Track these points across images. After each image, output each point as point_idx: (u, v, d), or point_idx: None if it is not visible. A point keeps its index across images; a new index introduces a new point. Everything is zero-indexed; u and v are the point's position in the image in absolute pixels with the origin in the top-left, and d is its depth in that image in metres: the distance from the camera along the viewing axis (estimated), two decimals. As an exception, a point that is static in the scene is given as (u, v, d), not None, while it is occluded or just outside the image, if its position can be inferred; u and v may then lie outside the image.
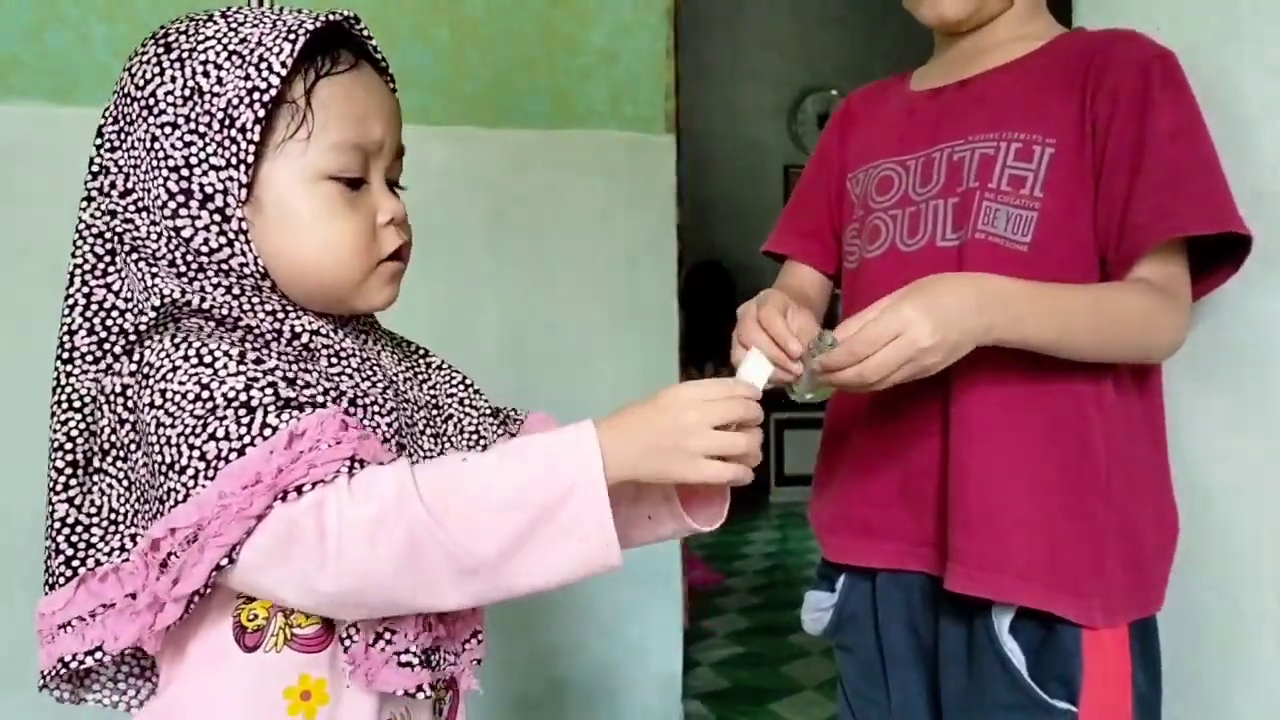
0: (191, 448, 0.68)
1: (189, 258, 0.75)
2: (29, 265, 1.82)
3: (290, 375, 0.72)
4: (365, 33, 0.82)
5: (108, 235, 0.77)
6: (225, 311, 0.76)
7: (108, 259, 0.77)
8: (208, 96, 0.73)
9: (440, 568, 0.68)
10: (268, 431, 0.68)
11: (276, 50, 0.74)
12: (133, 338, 0.76)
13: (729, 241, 5.74)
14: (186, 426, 0.68)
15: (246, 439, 0.67)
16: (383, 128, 0.80)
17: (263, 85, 0.73)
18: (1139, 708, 0.97)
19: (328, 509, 0.67)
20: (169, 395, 0.69)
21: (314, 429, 0.68)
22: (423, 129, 2.14)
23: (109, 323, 0.76)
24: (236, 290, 0.76)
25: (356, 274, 0.80)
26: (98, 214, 0.78)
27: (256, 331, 0.76)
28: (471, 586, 0.70)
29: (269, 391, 0.69)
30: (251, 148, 0.73)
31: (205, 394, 0.69)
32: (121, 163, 0.77)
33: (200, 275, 0.76)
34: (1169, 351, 0.99)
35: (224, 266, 0.76)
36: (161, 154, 0.74)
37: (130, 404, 0.73)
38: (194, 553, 0.67)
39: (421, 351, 0.94)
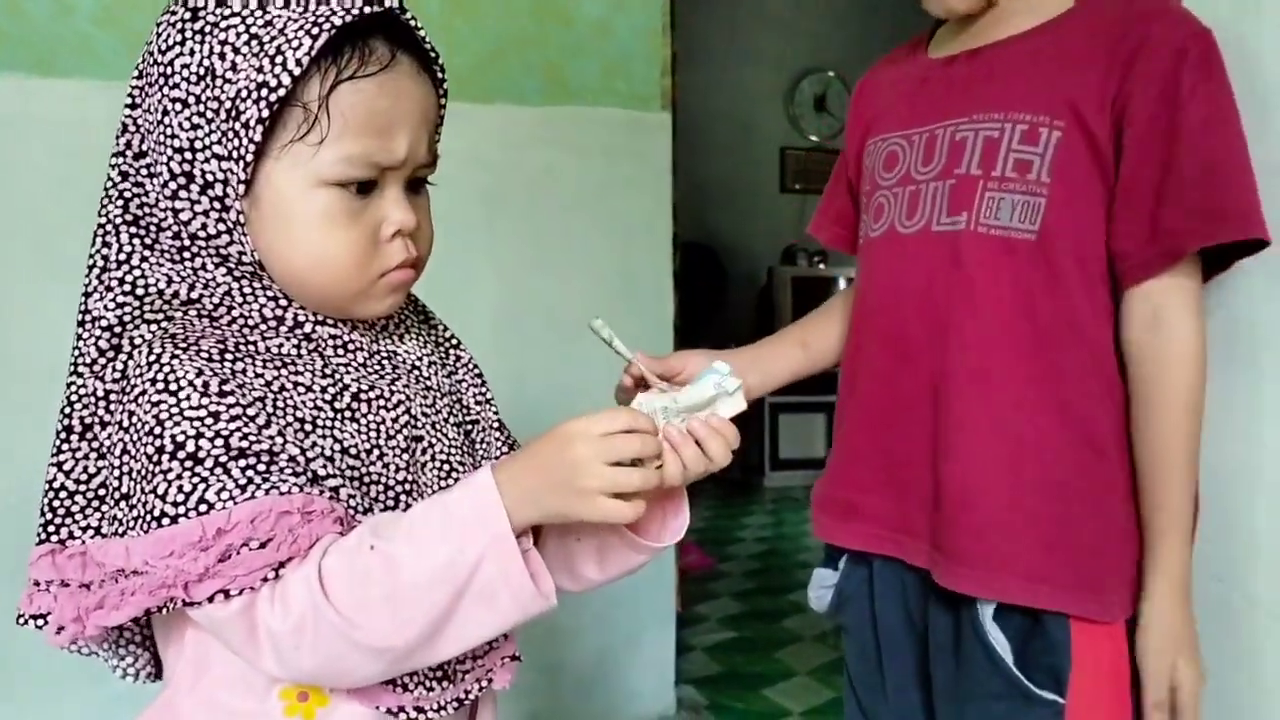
0: (140, 490, 0.66)
1: (185, 240, 0.73)
2: (11, 238, 1.78)
3: (254, 410, 0.67)
4: (414, 22, 0.74)
5: (128, 196, 0.73)
6: (217, 300, 0.73)
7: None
8: (219, 81, 0.68)
9: (365, 662, 0.68)
10: (203, 507, 0.64)
11: (295, 44, 0.67)
12: (117, 329, 0.71)
13: (721, 224, 5.71)
14: (140, 465, 0.66)
15: (181, 508, 0.64)
16: (410, 141, 0.73)
17: (272, 83, 0.68)
18: (1139, 709, 0.95)
19: (257, 613, 0.66)
20: (134, 421, 0.67)
21: (244, 524, 0.64)
22: (413, 104, 2.11)
23: (138, 286, 0.72)
24: (237, 274, 0.73)
25: (353, 287, 0.75)
26: (115, 174, 0.74)
27: (249, 324, 0.73)
28: (400, 666, 0.70)
29: (219, 443, 0.65)
30: (252, 146, 0.69)
31: (158, 430, 0.65)
32: (140, 123, 0.73)
33: (201, 254, 0.73)
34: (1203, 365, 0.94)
35: (223, 252, 0.73)
36: (170, 131, 0.70)
37: (110, 409, 0.70)
38: (115, 594, 0.66)
39: (453, 340, 0.90)
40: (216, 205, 0.71)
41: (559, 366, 2.20)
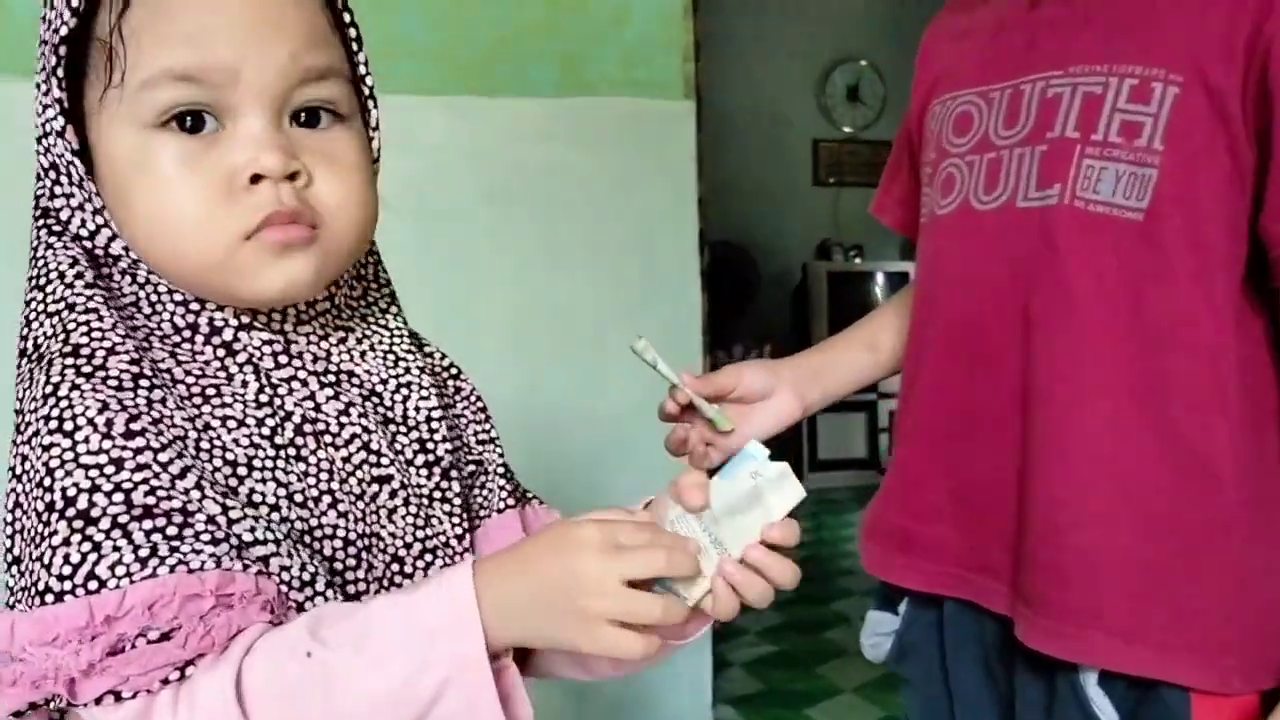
0: (29, 556, 0.54)
1: (83, 249, 0.63)
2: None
3: (167, 455, 0.56)
4: None
5: (38, 194, 0.65)
6: (129, 300, 0.63)
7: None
8: (43, 44, 0.61)
9: None
10: (93, 584, 0.52)
11: None
12: (23, 331, 0.62)
13: (752, 220, 5.55)
14: (30, 523, 0.55)
15: (67, 583, 0.52)
16: (241, 48, 0.59)
17: (57, 23, 0.58)
18: None
19: None
20: (27, 469, 0.56)
21: (139, 609, 0.52)
22: (417, 99, 2.01)
23: (41, 275, 0.63)
24: (140, 279, 0.63)
25: (211, 254, 0.59)
26: (34, 178, 0.65)
27: (161, 335, 0.62)
28: None
29: (119, 498, 0.53)
30: (56, 105, 0.59)
31: (49, 481, 0.54)
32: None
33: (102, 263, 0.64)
34: None
35: (113, 253, 0.62)
36: (35, 121, 0.62)
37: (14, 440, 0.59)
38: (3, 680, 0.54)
39: (451, 369, 0.77)
40: (83, 193, 0.61)
41: (574, 379, 2.09)
